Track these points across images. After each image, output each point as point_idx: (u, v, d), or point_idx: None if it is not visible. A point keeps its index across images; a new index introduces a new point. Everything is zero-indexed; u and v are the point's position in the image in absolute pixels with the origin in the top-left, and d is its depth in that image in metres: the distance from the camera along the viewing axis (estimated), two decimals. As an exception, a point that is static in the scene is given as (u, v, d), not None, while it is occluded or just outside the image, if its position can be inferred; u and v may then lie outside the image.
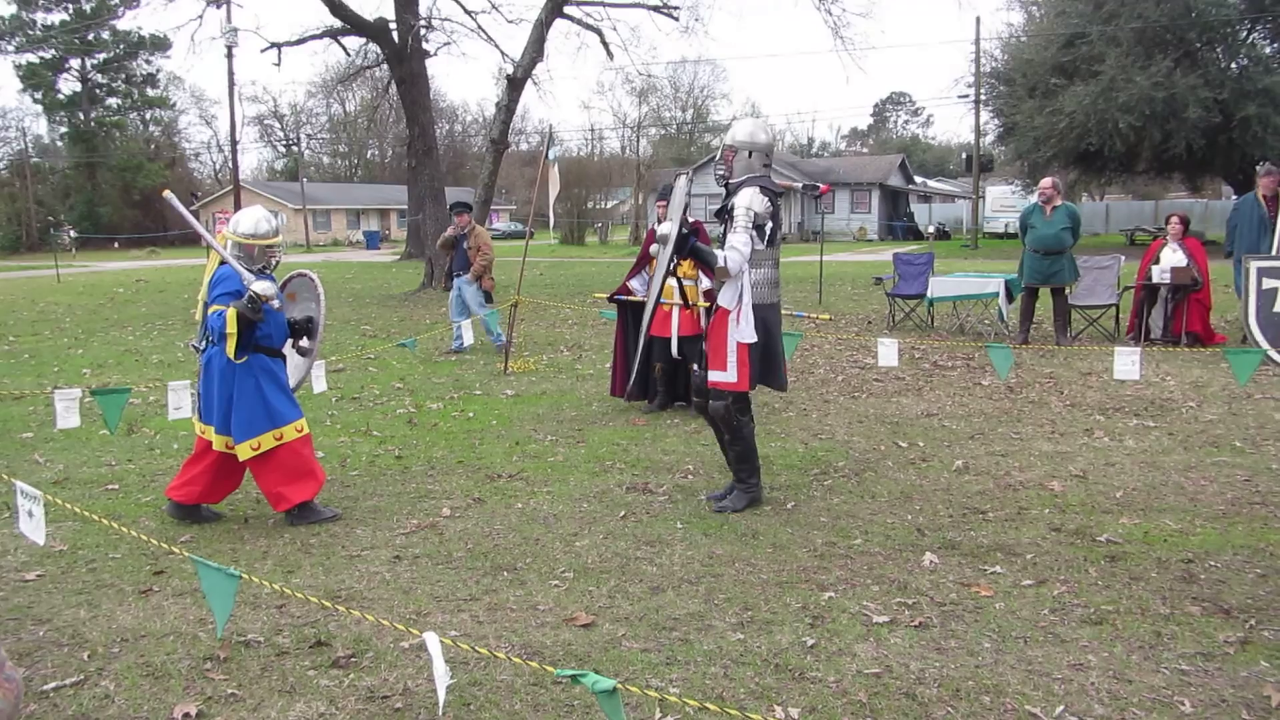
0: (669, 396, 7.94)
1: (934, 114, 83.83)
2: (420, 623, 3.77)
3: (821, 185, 7.98)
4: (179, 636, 3.74)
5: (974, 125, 36.88)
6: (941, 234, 43.61)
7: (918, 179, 56.36)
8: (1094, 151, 29.37)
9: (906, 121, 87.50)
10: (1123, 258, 12.22)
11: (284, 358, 5.25)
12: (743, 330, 5.02)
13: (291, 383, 5.42)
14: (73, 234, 42.66)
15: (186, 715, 3.13)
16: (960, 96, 39.19)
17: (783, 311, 10.16)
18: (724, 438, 5.37)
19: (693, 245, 5.04)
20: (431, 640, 2.78)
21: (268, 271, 5.20)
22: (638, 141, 56.97)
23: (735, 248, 4.97)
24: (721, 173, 5.28)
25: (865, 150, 74.26)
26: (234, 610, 3.65)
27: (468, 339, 10.31)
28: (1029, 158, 32.57)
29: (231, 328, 4.85)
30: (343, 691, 3.28)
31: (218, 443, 5.05)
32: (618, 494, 5.58)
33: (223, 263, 5.07)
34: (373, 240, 52.09)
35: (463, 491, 5.69)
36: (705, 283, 7.70)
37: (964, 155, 45.23)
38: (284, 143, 69.72)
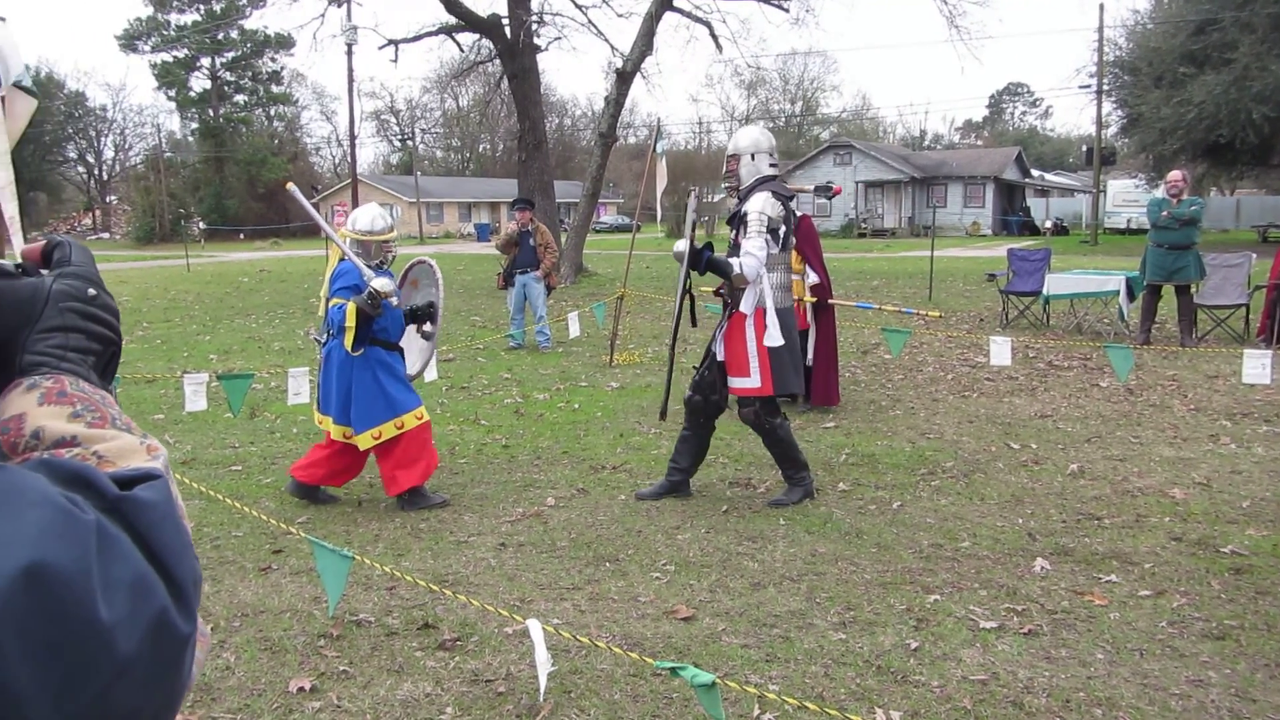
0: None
1: (1053, 105, 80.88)
2: (524, 609, 3.85)
3: (834, 185, 7.78)
4: (295, 613, 3.90)
5: (1096, 117, 35.44)
6: (1059, 229, 42.08)
7: (1035, 172, 54.47)
8: (1224, 144, 27.87)
9: (1024, 113, 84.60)
10: (1254, 255, 11.59)
11: (400, 350, 5.41)
12: (770, 335, 5.03)
13: (415, 368, 5.61)
14: (202, 225, 44.82)
15: (301, 689, 3.27)
16: (1081, 87, 37.66)
17: (891, 308, 9.96)
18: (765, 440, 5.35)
19: (707, 258, 5.04)
20: (534, 627, 2.85)
21: (385, 267, 5.37)
22: (745, 134, 56.57)
23: (750, 253, 4.97)
24: (729, 184, 5.31)
25: (980, 143, 72.15)
26: (346, 590, 3.80)
27: (573, 330, 10.45)
28: (1154, 150, 31.10)
29: (350, 321, 5.02)
30: (448, 673, 3.37)
31: (336, 432, 5.25)
32: (720, 488, 5.58)
33: (344, 258, 5.26)
34: (483, 233, 53.10)
35: (567, 482, 5.77)
36: (812, 277, 7.63)
37: (1084, 148, 43.53)
38: (399, 137, 71.66)
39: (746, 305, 5.05)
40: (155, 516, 0.67)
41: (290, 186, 5.80)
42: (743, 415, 5.24)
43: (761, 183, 5.19)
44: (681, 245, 5.10)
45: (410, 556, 4.56)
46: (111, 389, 0.82)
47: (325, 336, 5.32)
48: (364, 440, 5.16)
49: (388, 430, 5.15)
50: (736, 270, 4.98)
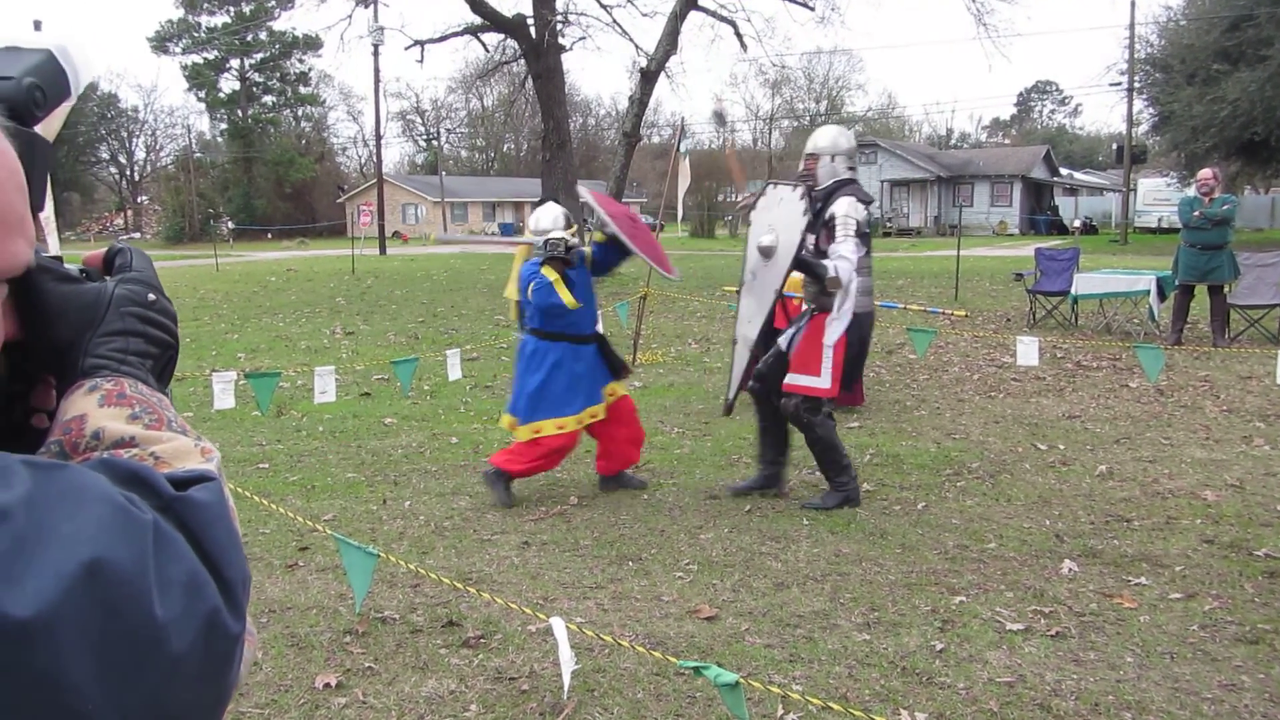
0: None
1: (1082, 103, 79.86)
2: (547, 608, 3.85)
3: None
4: (321, 610, 3.93)
5: (1126, 114, 35.07)
6: (1088, 228, 41.65)
7: (1063, 171, 53.93)
8: (1259, 141, 27.46)
9: (1053, 111, 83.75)
10: (1290, 254, 11.40)
11: (591, 343, 5.45)
12: (833, 332, 5.00)
13: (673, 273, 5.66)
14: (230, 225, 45.23)
15: (327, 685, 3.29)
16: (1112, 85, 37.22)
17: (916, 308, 9.86)
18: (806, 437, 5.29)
19: (799, 258, 5.00)
20: (558, 625, 2.85)
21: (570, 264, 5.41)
22: (770, 134, 56.49)
23: (845, 257, 4.94)
24: (808, 184, 5.25)
25: (1007, 141, 71.52)
26: (372, 587, 3.82)
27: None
28: (1186, 148, 30.71)
29: (553, 275, 5.15)
30: (472, 671, 3.38)
31: (505, 421, 5.36)
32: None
33: (527, 257, 5.37)
34: (507, 232, 53.28)
35: (590, 481, 5.77)
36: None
37: (1115, 146, 43.02)
38: (424, 137, 71.99)
39: (837, 309, 5.04)
40: (209, 517, 0.68)
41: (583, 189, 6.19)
42: (783, 406, 5.21)
43: (840, 185, 5.16)
44: (768, 239, 5.05)
45: (434, 554, 4.58)
46: (167, 391, 0.84)
47: (521, 331, 5.46)
48: (524, 433, 5.24)
49: (547, 428, 5.22)
50: (831, 274, 4.94)
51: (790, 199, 5.13)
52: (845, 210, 5.02)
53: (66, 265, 0.83)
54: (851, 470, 5.22)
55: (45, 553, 0.57)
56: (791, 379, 5.15)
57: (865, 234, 5.09)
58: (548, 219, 5.41)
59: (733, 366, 5.58)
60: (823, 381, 5.05)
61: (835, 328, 4.99)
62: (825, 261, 4.98)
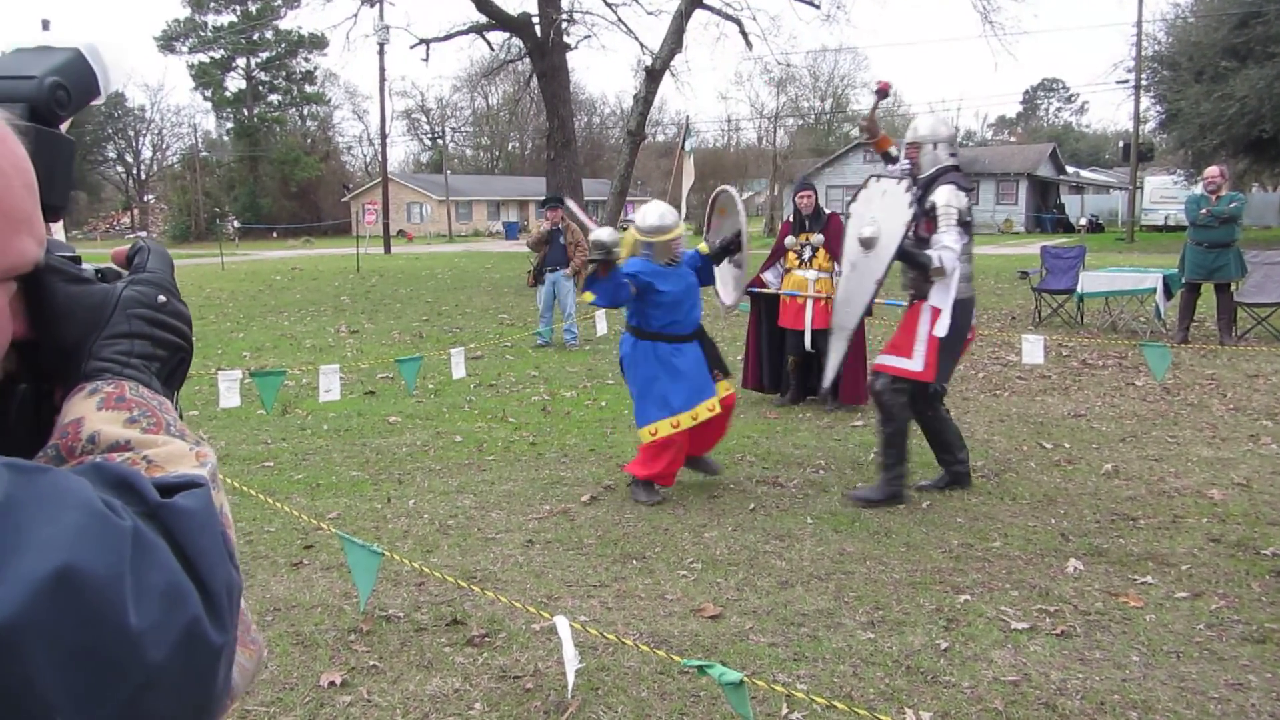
0: (801, 390, 7.84)
1: (1089, 101, 79.61)
2: (551, 606, 3.85)
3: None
4: (326, 608, 3.93)
5: (1133, 112, 34.95)
6: (1094, 226, 41.54)
7: (1069, 169, 53.78)
8: (1267, 139, 27.36)
9: (1059, 109, 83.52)
10: (1297, 252, 11.36)
11: (690, 341, 5.45)
12: (940, 324, 5.01)
13: (731, 299, 5.78)
14: (236, 224, 45.31)
15: (332, 683, 3.29)
16: (1119, 82, 37.09)
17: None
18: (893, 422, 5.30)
19: (902, 249, 4.98)
20: (562, 624, 2.85)
21: (676, 262, 5.42)
22: (774, 132, 56.40)
23: (948, 246, 4.93)
24: (906, 169, 5.23)
25: (1013, 139, 71.34)
26: (376, 586, 3.83)
27: (601, 328, 10.45)
28: (1193, 146, 30.59)
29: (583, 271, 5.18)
30: (476, 669, 3.38)
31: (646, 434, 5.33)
32: (748, 487, 5.56)
33: (644, 255, 5.35)
34: (512, 231, 53.30)
35: (594, 479, 5.77)
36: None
37: (1121, 144, 42.90)
38: (429, 136, 72.04)
39: (938, 298, 5.04)
40: (193, 524, 0.67)
41: (569, 202, 6.10)
42: (870, 383, 5.28)
43: (942, 173, 5.15)
44: (869, 231, 5.04)
45: (439, 553, 4.58)
46: (174, 395, 0.84)
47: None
48: (643, 435, 5.25)
49: (663, 429, 5.22)
50: (935, 263, 4.94)
51: (895, 191, 5.11)
52: (946, 199, 5.01)
53: (85, 265, 0.83)
54: (906, 469, 5.23)
55: (18, 558, 0.56)
56: (883, 359, 5.21)
57: (967, 222, 5.07)
58: (654, 216, 5.38)
59: (830, 356, 5.57)
60: (915, 364, 5.08)
61: (943, 320, 5.00)
62: (929, 251, 4.97)
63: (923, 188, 5.11)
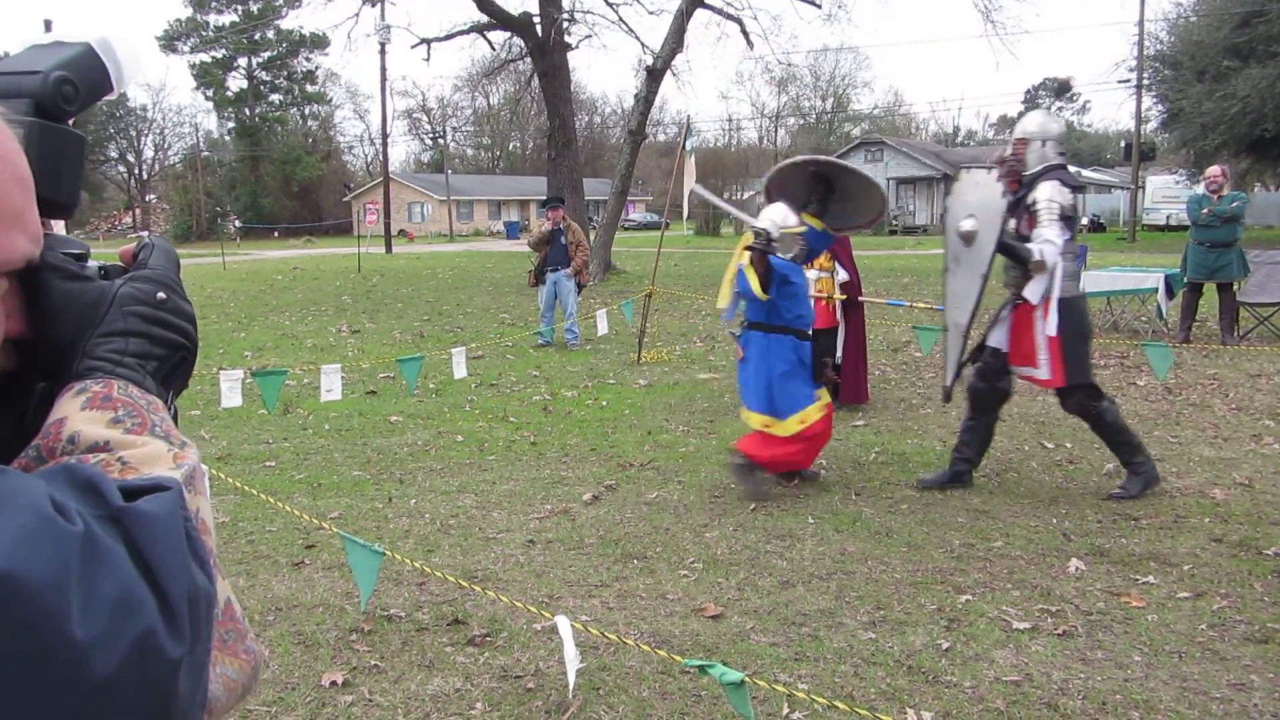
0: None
1: (1090, 100, 79.46)
2: (552, 606, 3.85)
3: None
4: (327, 608, 3.93)
5: (1135, 111, 34.93)
6: (1096, 226, 41.52)
7: (1071, 168, 53.73)
8: (1269, 138, 27.33)
9: (1061, 108, 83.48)
10: (1299, 252, 11.34)
11: (809, 339, 5.44)
12: (1049, 323, 5.01)
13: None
14: (237, 224, 45.33)
15: (333, 683, 3.29)
16: (1120, 81, 37.11)
17: (923, 305, 9.88)
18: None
19: (1002, 242, 4.96)
20: (563, 624, 2.84)
21: (799, 258, 5.41)
22: (776, 132, 56.41)
23: (1050, 240, 4.92)
24: (1011, 167, 5.20)
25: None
26: (377, 585, 3.82)
27: (602, 327, 10.47)
28: (1195, 145, 30.56)
29: (750, 271, 5.16)
30: (478, 669, 3.38)
31: (755, 421, 5.32)
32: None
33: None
34: (513, 230, 53.32)
35: (595, 479, 5.77)
36: (842, 275, 7.57)
37: (1123, 143, 42.83)
38: (431, 135, 72.09)
39: (1033, 293, 5.03)
40: (153, 530, 0.64)
41: (696, 186, 6.21)
42: (1066, 407, 5.27)
43: (1047, 170, 5.13)
44: (968, 225, 5.01)
45: (440, 552, 4.58)
46: (170, 396, 0.82)
47: (740, 328, 5.45)
48: (790, 426, 5.21)
49: (811, 414, 5.23)
50: (1036, 257, 4.92)
51: (986, 182, 5.08)
52: (1049, 195, 4.99)
53: (90, 262, 0.81)
54: (1145, 450, 5.22)
55: None
56: (1017, 371, 5.22)
57: (1070, 218, 5.05)
58: (778, 216, 5.37)
59: (947, 354, 5.52)
60: (1042, 372, 5.09)
61: (1051, 317, 5.00)
62: (1030, 245, 4.95)
63: (1027, 184, 5.09)
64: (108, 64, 0.84)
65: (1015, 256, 5.02)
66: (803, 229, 5.36)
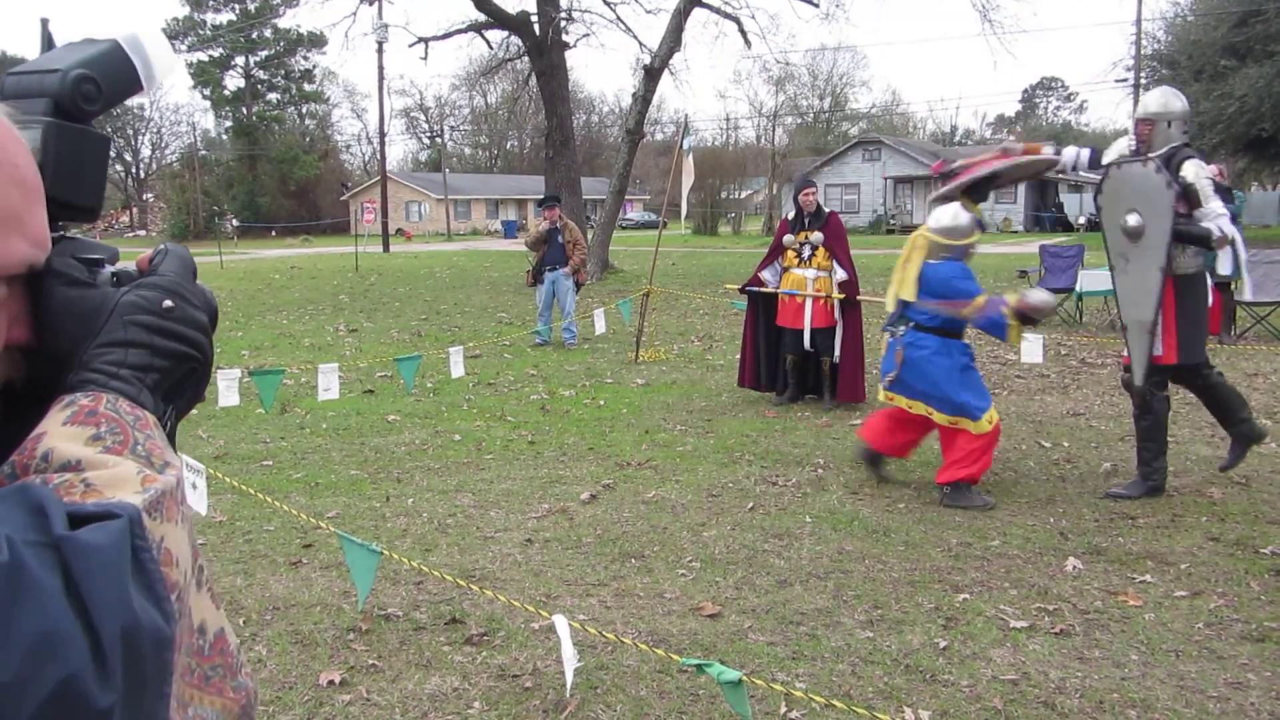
0: (800, 389, 7.85)
1: (1088, 100, 79.65)
2: (550, 605, 3.85)
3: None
4: (325, 607, 3.93)
5: (1132, 111, 34.93)
6: (1093, 225, 41.46)
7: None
8: (1267, 138, 27.36)
9: (1058, 108, 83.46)
10: (1296, 251, 11.36)
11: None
12: (1245, 290, 5.05)
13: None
14: (235, 223, 45.26)
15: (331, 682, 3.29)
16: (1118, 81, 37.23)
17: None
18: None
19: (1176, 229, 4.93)
20: (561, 623, 2.84)
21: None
22: (773, 131, 56.44)
23: (1220, 213, 4.91)
24: (1134, 148, 5.19)
25: (1012, 138, 71.36)
26: (375, 585, 3.82)
27: (599, 326, 10.47)
28: (1193, 145, 30.58)
29: (1014, 319, 5.16)
30: (475, 668, 3.38)
31: (942, 419, 5.25)
32: (746, 485, 5.56)
33: (931, 257, 5.30)
34: (510, 229, 53.29)
35: (593, 478, 5.77)
36: (840, 274, 7.58)
37: (1120, 142, 42.84)
38: (428, 134, 72.03)
39: (1224, 267, 5.04)
40: (91, 562, 0.58)
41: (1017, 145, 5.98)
42: (1124, 379, 5.32)
43: (1176, 151, 5.11)
44: (1134, 220, 4.99)
45: (437, 551, 4.58)
46: (168, 410, 0.77)
47: (900, 329, 5.41)
48: (982, 425, 5.13)
49: (994, 415, 5.20)
50: (1216, 234, 4.90)
51: (1147, 174, 5.03)
52: (1196, 171, 4.98)
53: (106, 268, 0.78)
54: (1165, 462, 5.24)
55: None
56: (1127, 351, 5.23)
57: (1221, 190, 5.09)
58: (948, 218, 5.36)
59: (1132, 353, 5.34)
60: (1156, 349, 5.09)
61: (1245, 284, 5.03)
62: (1205, 224, 4.93)
63: (1159, 168, 5.05)
64: (136, 61, 0.81)
65: (1193, 239, 4.98)
66: (977, 234, 5.37)
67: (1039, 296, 5.23)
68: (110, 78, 0.79)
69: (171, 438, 0.77)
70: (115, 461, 0.68)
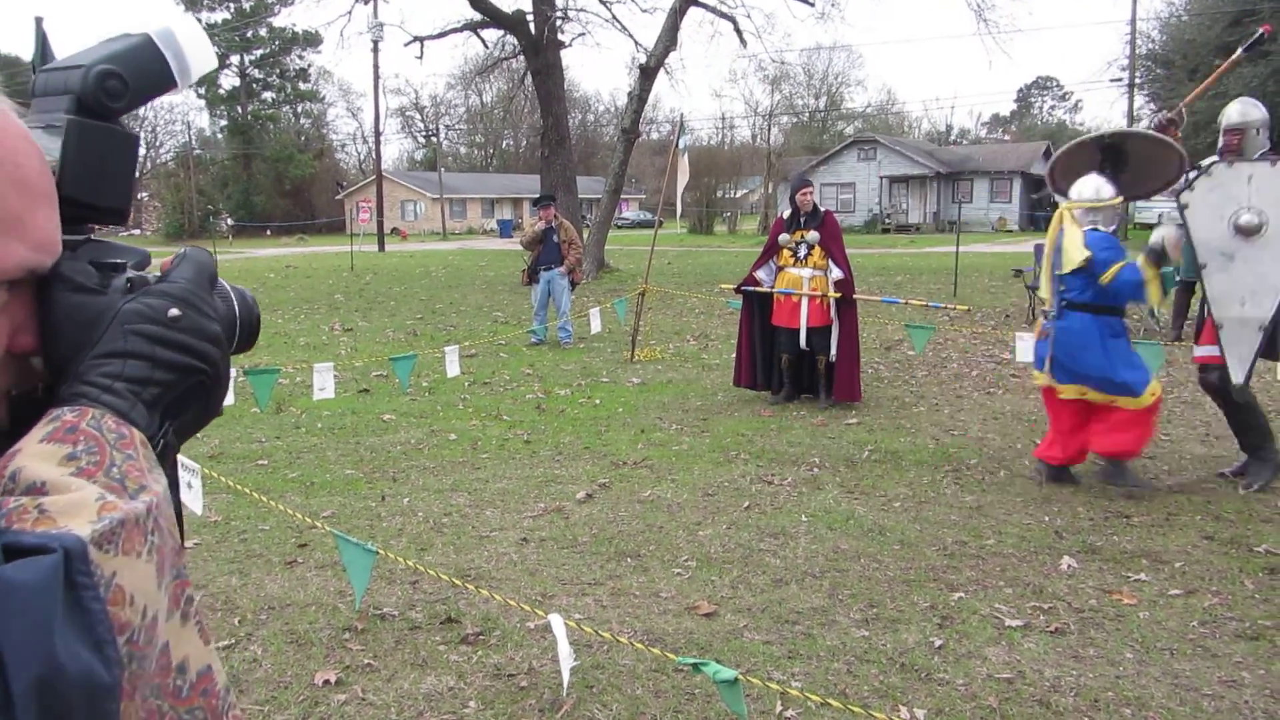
0: (795, 388, 7.85)
1: (1083, 99, 79.73)
2: (546, 604, 3.85)
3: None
4: (320, 607, 3.92)
5: (1127, 110, 35.02)
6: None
7: (1062, 167, 53.80)
8: (1260, 137, 27.47)
9: (1053, 107, 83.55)
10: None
11: (1123, 314, 5.41)
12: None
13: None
14: (230, 222, 45.19)
15: (326, 682, 3.28)
16: (1113, 80, 37.27)
17: (917, 303, 9.89)
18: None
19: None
20: (557, 622, 2.84)
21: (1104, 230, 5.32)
22: (769, 130, 56.47)
23: None
24: (1228, 159, 5.20)
25: (1007, 138, 71.45)
26: (370, 584, 3.82)
27: (595, 326, 10.47)
28: (1187, 144, 30.65)
29: (1149, 272, 5.08)
30: (471, 667, 3.38)
31: (1098, 398, 5.22)
32: (742, 485, 5.56)
33: (1093, 224, 5.25)
34: (506, 229, 53.26)
35: (588, 477, 5.77)
36: (836, 273, 7.58)
37: (1114, 142, 42.95)
38: (423, 133, 71.94)
39: None
40: (10, 604, 0.53)
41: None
42: (1203, 381, 5.33)
43: (1264, 155, 5.16)
44: (1248, 217, 4.97)
45: (433, 551, 4.58)
46: (163, 427, 0.72)
47: (1056, 313, 5.36)
48: (1145, 400, 5.12)
49: (1156, 388, 5.17)
50: None
51: (1267, 171, 5.02)
52: None
53: (130, 273, 0.74)
54: (1274, 443, 5.28)
55: None
56: (1198, 351, 5.27)
57: None
58: (1090, 189, 5.33)
59: (1226, 349, 5.22)
60: (1216, 349, 5.11)
61: None
62: None
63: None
64: (168, 56, 0.77)
65: None
66: (1119, 199, 5.31)
67: (1158, 235, 5.12)
68: (139, 73, 0.75)
69: (164, 456, 0.72)
70: (78, 486, 0.62)
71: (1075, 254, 5.22)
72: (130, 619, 0.59)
